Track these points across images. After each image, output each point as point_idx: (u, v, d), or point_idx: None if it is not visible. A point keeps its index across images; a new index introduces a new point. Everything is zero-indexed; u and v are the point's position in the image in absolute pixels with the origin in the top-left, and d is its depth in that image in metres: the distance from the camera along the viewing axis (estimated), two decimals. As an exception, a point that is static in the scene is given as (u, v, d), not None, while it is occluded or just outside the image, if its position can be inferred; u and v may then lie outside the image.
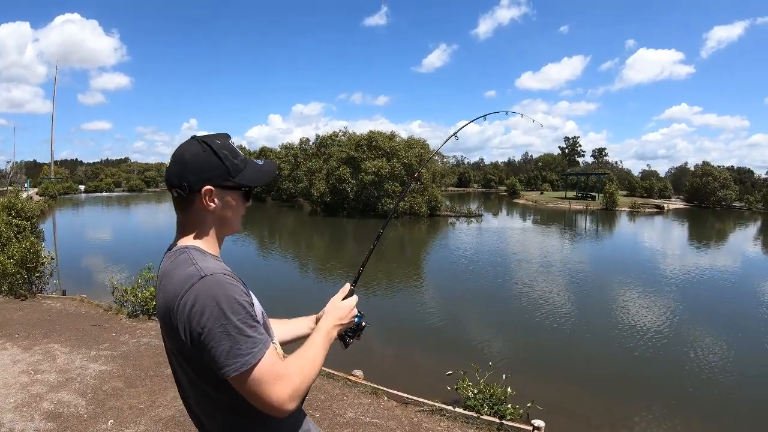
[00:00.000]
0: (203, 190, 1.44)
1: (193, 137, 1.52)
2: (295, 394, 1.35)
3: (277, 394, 1.31)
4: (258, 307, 1.48)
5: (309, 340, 1.57)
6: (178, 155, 1.47)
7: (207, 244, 1.50)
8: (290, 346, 1.77)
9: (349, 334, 1.80)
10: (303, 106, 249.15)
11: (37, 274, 10.66)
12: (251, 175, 1.55)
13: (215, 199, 1.47)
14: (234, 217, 1.56)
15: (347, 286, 1.84)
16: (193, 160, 1.45)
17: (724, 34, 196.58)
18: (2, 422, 4.81)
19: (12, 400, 5.32)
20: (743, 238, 33.86)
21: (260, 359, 1.30)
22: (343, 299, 1.79)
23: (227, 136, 1.55)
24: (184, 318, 1.30)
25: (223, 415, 1.44)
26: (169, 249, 1.52)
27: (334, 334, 1.67)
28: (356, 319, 1.80)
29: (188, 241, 1.49)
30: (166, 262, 1.47)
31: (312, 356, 1.49)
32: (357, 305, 1.80)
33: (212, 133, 1.55)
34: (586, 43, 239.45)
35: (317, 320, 1.79)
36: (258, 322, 1.37)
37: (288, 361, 1.43)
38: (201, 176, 1.44)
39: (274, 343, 1.50)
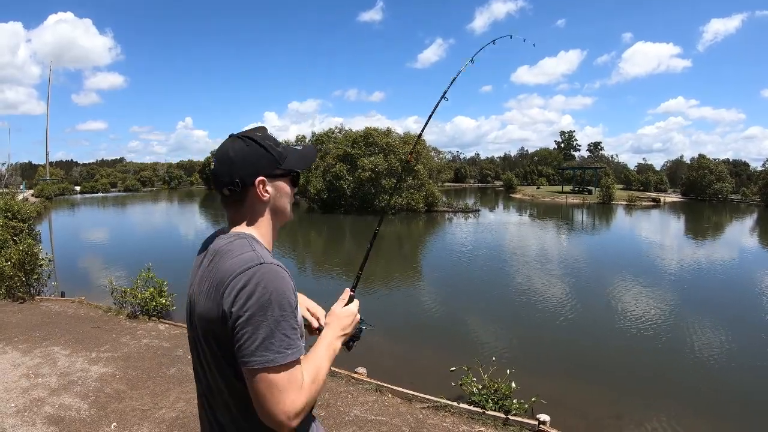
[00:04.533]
0: (256, 181, 1.46)
1: (231, 135, 1.53)
2: (302, 411, 1.32)
3: (288, 406, 1.27)
4: (299, 315, 1.44)
5: (313, 352, 1.51)
6: (223, 155, 1.49)
7: (263, 235, 1.52)
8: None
9: (353, 338, 1.77)
10: (298, 104, 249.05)
11: (35, 277, 10.59)
12: (296, 160, 1.58)
13: (268, 189, 1.50)
14: (287, 205, 1.59)
15: (347, 292, 1.79)
16: (239, 155, 1.47)
17: (722, 27, 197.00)
18: (4, 427, 4.78)
19: (13, 405, 5.28)
20: (740, 231, 33.96)
21: (287, 363, 1.29)
22: (344, 306, 1.74)
23: (265, 128, 1.59)
24: (232, 296, 1.29)
25: (239, 409, 1.40)
26: (221, 232, 1.54)
27: (338, 345, 1.62)
28: (360, 325, 1.78)
29: (246, 230, 1.50)
30: (220, 242, 1.47)
31: (317, 369, 1.44)
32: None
33: (247, 129, 1.57)
34: (583, 36, 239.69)
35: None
36: (298, 326, 1.36)
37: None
38: (251, 169, 1.46)
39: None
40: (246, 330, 1.26)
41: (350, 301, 1.77)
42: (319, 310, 1.85)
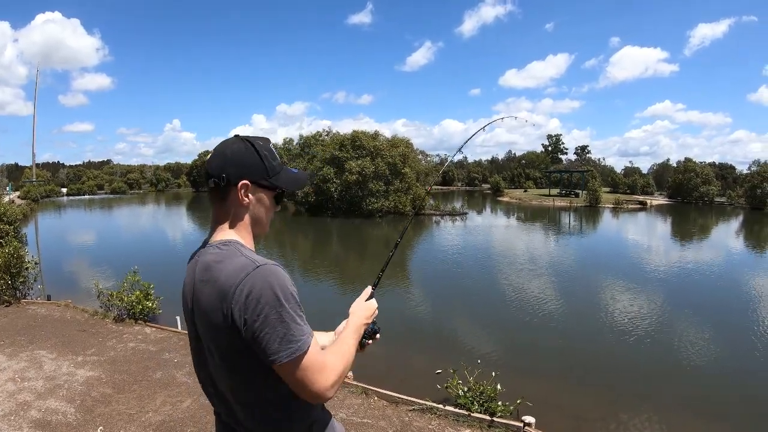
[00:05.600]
0: (240, 183, 1.51)
1: (236, 136, 1.59)
2: (335, 384, 1.45)
3: (322, 383, 1.40)
4: None
5: (342, 336, 1.65)
6: (220, 150, 1.55)
7: (245, 240, 1.56)
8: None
9: (365, 337, 1.87)
10: (287, 106, 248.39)
11: (21, 280, 10.51)
12: (286, 180, 1.63)
13: (249, 195, 1.54)
14: (265, 217, 1.62)
15: (369, 289, 1.95)
16: (234, 155, 1.53)
17: (709, 31, 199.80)
18: (-10, 431, 4.76)
19: (-1, 409, 5.26)
20: (725, 233, 34.33)
21: (308, 347, 1.39)
22: (367, 300, 1.90)
23: (268, 140, 1.63)
24: (240, 305, 1.35)
25: (264, 406, 1.50)
26: (206, 242, 1.58)
27: (361, 332, 1.77)
28: (372, 325, 1.89)
29: (228, 235, 1.54)
30: (209, 254, 1.50)
31: (346, 350, 1.57)
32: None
33: (255, 135, 1.62)
34: (571, 40, 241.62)
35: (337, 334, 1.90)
36: (302, 310, 1.45)
37: (326, 353, 1.49)
38: (240, 170, 1.51)
39: None
40: (266, 331, 1.34)
41: (371, 297, 1.93)
42: None
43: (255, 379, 1.45)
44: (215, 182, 1.52)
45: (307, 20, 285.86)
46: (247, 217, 1.57)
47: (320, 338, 1.81)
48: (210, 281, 1.44)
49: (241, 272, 1.38)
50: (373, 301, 1.91)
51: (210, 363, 1.53)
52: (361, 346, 1.86)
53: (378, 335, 1.93)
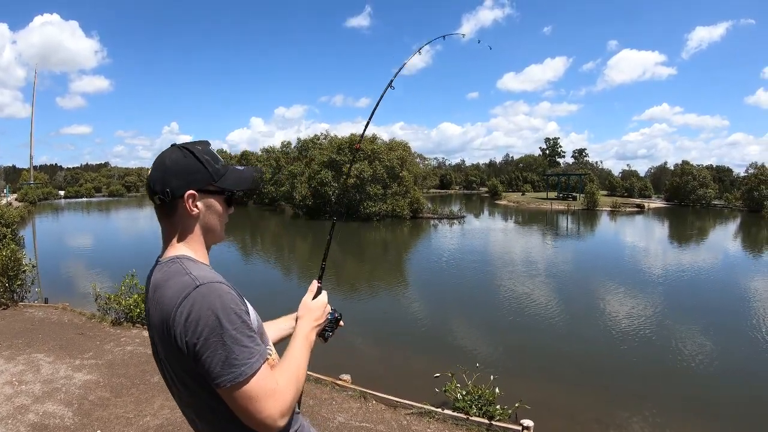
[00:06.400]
0: (186, 194, 1.45)
1: (173, 145, 1.53)
2: (286, 411, 1.35)
3: (270, 410, 1.31)
4: (253, 314, 1.49)
5: (290, 347, 1.56)
6: (159, 162, 1.48)
7: (196, 252, 1.50)
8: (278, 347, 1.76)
9: (327, 329, 1.81)
10: (285, 109, 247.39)
11: (19, 282, 10.48)
12: (233, 180, 1.56)
13: (198, 204, 1.48)
14: (218, 224, 1.56)
15: (314, 284, 1.85)
16: (174, 165, 1.46)
17: (706, 34, 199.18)
18: (-13, 435, 4.75)
19: (-4, 412, 5.25)
20: (723, 236, 34.35)
21: (256, 371, 1.30)
22: (314, 298, 1.80)
23: (207, 143, 1.57)
24: (180, 328, 1.29)
25: (220, 423, 1.41)
26: (159, 260, 1.51)
27: (313, 337, 1.68)
28: (330, 316, 1.81)
29: (178, 250, 1.48)
30: (158, 273, 1.45)
31: (297, 366, 1.48)
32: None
33: (192, 140, 1.57)
34: (569, 43, 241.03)
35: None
36: (254, 331, 1.37)
37: (277, 375, 1.40)
38: (183, 181, 1.45)
39: (269, 350, 1.51)
40: (206, 355, 1.27)
41: (318, 292, 1.83)
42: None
43: (217, 404, 1.37)
44: (160, 199, 1.46)
45: (305, 23, 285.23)
46: (197, 228, 1.51)
47: (270, 329, 1.74)
48: (157, 303, 1.38)
49: (181, 293, 1.32)
50: (322, 296, 1.82)
51: (172, 386, 1.48)
52: (325, 339, 1.81)
53: (341, 322, 1.86)
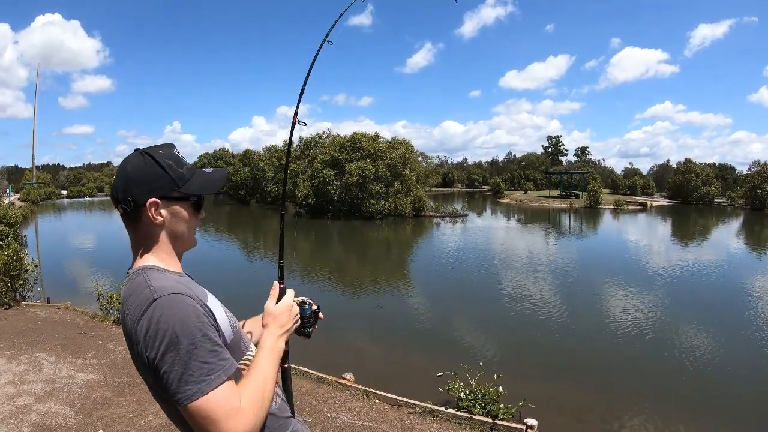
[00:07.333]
0: (148, 202, 1.38)
1: (136, 150, 1.46)
2: (251, 430, 1.26)
3: (230, 430, 1.22)
4: (225, 322, 1.42)
5: (254, 362, 1.45)
6: (121, 169, 1.42)
7: (165, 261, 1.44)
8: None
9: (306, 324, 1.72)
10: (287, 108, 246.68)
11: (21, 282, 10.47)
12: (199, 184, 1.48)
13: (162, 212, 1.41)
14: (187, 231, 1.49)
15: (276, 286, 1.69)
16: (135, 172, 1.40)
17: (709, 32, 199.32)
18: (-11, 435, 4.74)
19: (-2, 412, 5.24)
20: (726, 234, 34.30)
21: (215, 388, 1.23)
22: (278, 301, 1.65)
23: (171, 146, 1.49)
24: (141, 343, 1.25)
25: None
26: (128, 271, 1.45)
27: (282, 344, 1.56)
28: (307, 311, 1.72)
29: (145, 261, 1.42)
30: (126, 286, 1.39)
31: (263, 381, 1.38)
32: (300, 293, 1.72)
33: (156, 144, 1.48)
34: (572, 41, 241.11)
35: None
36: (219, 344, 1.30)
37: (242, 391, 1.31)
38: (145, 188, 1.38)
39: (247, 356, 1.47)
40: (163, 370, 1.21)
41: (282, 293, 1.68)
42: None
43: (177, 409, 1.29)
44: (123, 208, 1.40)
45: (307, 22, 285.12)
46: (164, 237, 1.44)
47: (254, 328, 1.68)
48: (124, 318, 1.34)
49: (141, 307, 1.27)
50: (286, 298, 1.66)
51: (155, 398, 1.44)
52: (308, 335, 1.72)
53: (321, 314, 1.76)
